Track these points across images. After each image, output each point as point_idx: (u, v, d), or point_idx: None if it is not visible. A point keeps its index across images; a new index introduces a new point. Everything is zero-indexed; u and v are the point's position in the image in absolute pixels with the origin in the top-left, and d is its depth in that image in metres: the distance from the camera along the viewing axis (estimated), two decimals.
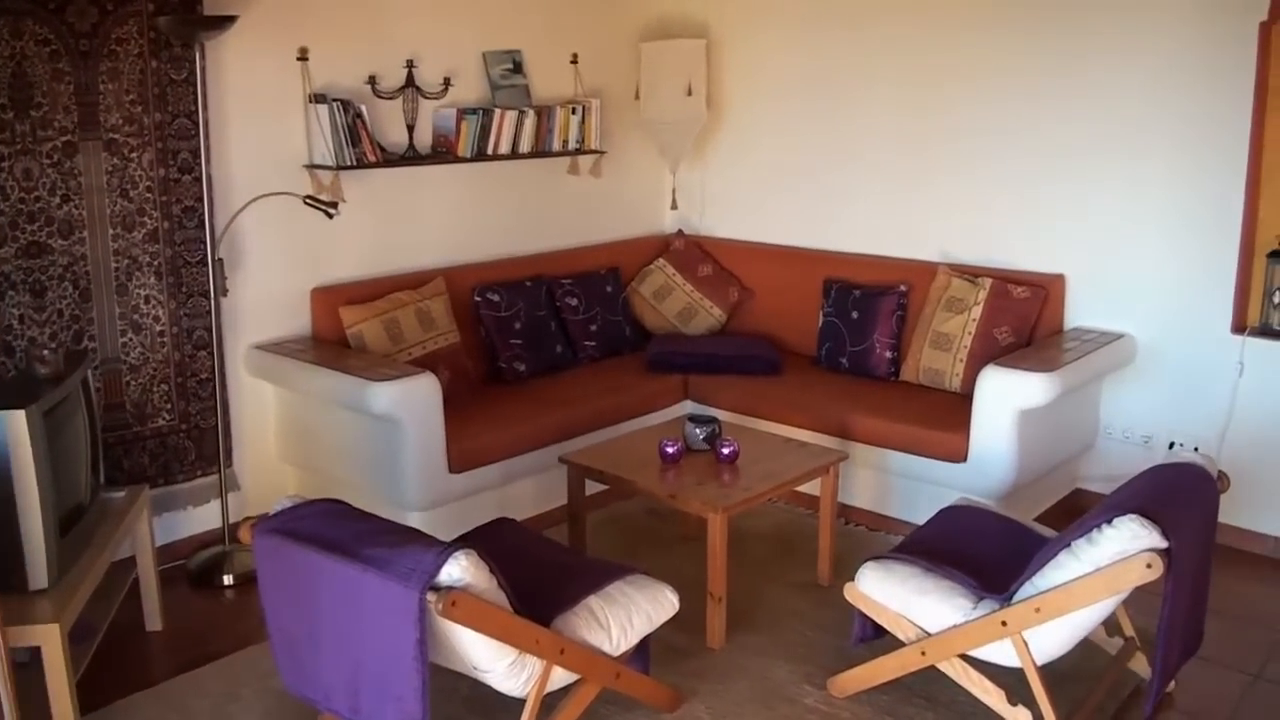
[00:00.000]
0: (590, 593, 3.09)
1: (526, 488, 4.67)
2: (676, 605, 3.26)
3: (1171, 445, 4.81)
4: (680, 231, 6.14)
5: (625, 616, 3.09)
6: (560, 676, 2.96)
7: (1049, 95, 4.93)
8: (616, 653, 3.08)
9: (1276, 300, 4.51)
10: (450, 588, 2.55)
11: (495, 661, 2.77)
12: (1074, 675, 3.38)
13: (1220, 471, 3.34)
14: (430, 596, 2.51)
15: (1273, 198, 4.52)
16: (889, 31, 5.37)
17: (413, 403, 4.06)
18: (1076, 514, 4.90)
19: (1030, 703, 3.16)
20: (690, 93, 5.76)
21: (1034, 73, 4.96)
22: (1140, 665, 3.58)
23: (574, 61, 5.61)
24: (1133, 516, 2.89)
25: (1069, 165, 4.92)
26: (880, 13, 5.39)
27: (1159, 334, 4.79)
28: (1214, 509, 3.27)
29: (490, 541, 3.33)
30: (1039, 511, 4.79)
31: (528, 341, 5.09)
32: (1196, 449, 4.71)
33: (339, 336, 4.61)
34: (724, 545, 3.72)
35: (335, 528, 2.76)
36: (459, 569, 2.56)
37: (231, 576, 4.27)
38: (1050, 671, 3.20)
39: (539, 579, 3.10)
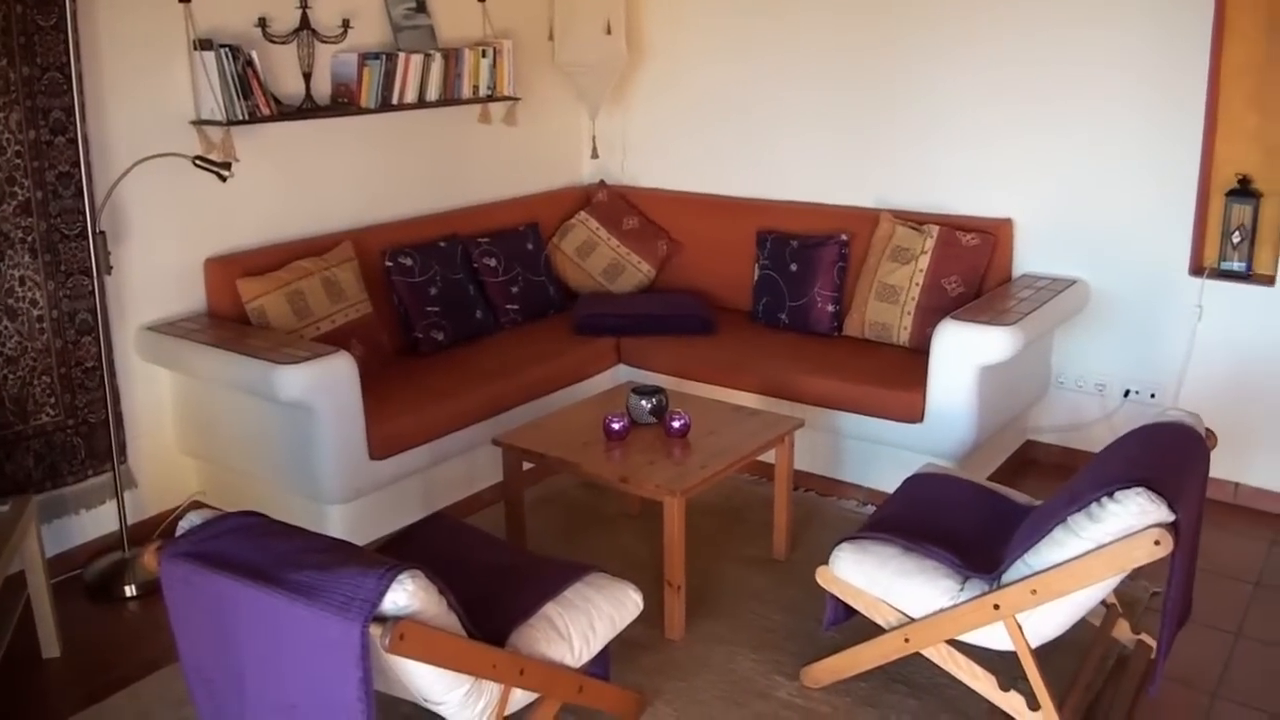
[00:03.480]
0: (547, 600, 2.76)
1: (455, 470, 4.32)
2: (641, 605, 2.96)
3: (1127, 393, 4.64)
4: (602, 182, 5.77)
5: (587, 623, 2.78)
6: (520, 697, 2.63)
7: (993, 34, 4.67)
8: (579, 663, 2.77)
9: (1236, 240, 4.33)
10: (396, 617, 2.19)
11: (448, 693, 2.43)
12: (1057, 645, 3.14)
13: (1208, 429, 3.13)
14: (374, 629, 2.16)
15: (1231, 135, 4.33)
16: None
17: (326, 386, 3.67)
18: (1029, 468, 4.81)
19: (1021, 684, 2.94)
20: (609, 32, 5.37)
21: (978, 10, 4.69)
22: (1123, 632, 3.42)
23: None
24: (1139, 490, 2.65)
25: (1015, 105, 4.68)
26: None
27: (1113, 279, 4.59)
28: (1206, 471, 3.06)
29: (425, 544, 3.03)
30: (993, 468, 4.60)
31: (445, 308, 4.71)
32: (1153, 396, 4.56)
33: (238, 312, 4.17)
34: (682, 531, 3.42)
35: (255, 548, 2.37)
36: (405, 595, 2.21)
37: (134, 586, 3.84)
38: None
39: (487, 587, 2.77)
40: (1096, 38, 4.44)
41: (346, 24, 4.54)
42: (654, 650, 3.44)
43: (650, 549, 3.97)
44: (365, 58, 4.54)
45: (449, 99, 4.91)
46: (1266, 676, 3.41)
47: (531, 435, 3.84)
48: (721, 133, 5.50)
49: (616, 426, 3.74)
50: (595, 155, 5.80)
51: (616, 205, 5.59)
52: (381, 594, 2.19)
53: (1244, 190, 4.32)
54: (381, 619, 2.19)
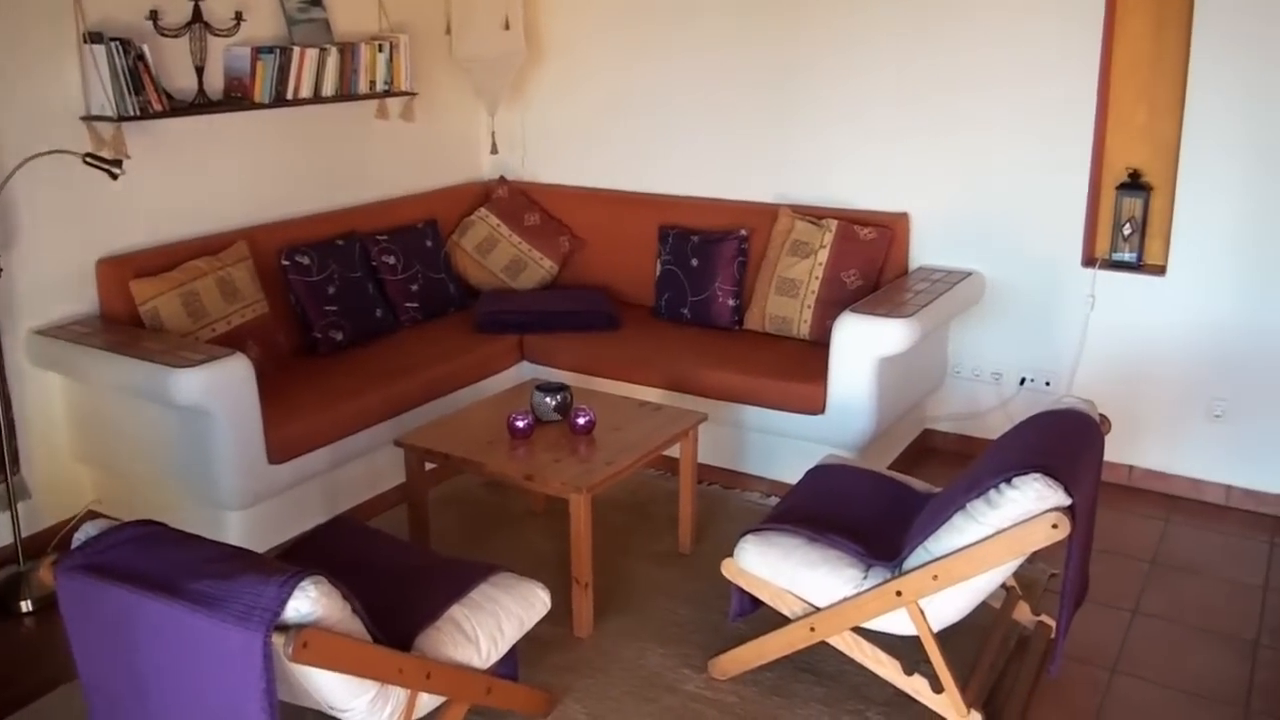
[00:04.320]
0: (453, 602, 2.74)
1: (356, 471, 4.25)
2: (548, 604, 2.95)
3: (1023, 381, 4.75)
4: (502, 178, 5.73)
5: (494, 624, 2.76)
6: (427, 701, 2.61)
7: (888, 30, 4.73)
8: (486, 665, 2.75)
9: (1127, 232, 4.46)
10: (299, 625, 2.15)
11: (354, 699, 2.40)
12: (959, 628, 3.20)
13: (1102, 415, 3.21)
14: (277, 638, 2.12)
15: (1121, 131, 4.47)
16: None
17: (223, 389, 3.59)
18: (928, 456, 4.89)
19: (924, 668, 3.00)
20: (507, 26, 5.32)
21: (874, 7, 4.74)
22: (1024, 614, 3.50)
23: None
24: (1037, 475, 2.72)
25: (911, 101, 4.75)
26: None
27: (1007, 270, 4.69)
28: (1101, 456, 3.14)
29: (328, 549, 2.98)
30: (893, 456, 4.68)
31: (343, 307, 4.63)
32: (1048, 383, 4.67)
33: (132, 315, 4.06)
34: (589, 528, 3.42)
35: (153, 558, 2.31)
36: (308, 601, 2.17)
37: (30, 601, 3.71)
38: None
39: (392, 591, 2.74)
40: (991, 35, 4.53)
41: (239, 17, 4.44)
42: (563, 648, 3.44)
43: (557, 547, 3.96)
44: (259, 51, 4.45)
45: (345, 94, 4.84)
46: (1162, 651, 3.53)
47: (434, 435, 3.79)
48: (622, 128, 5.49)
49: (521, 424, 3.72)
50: (495, 151, 5.75)
51: (517, 201, 5.56)
52: (283, 602, 2.15)
53: (1134, 184, 4.45)
54: (284, 627, 2.15)
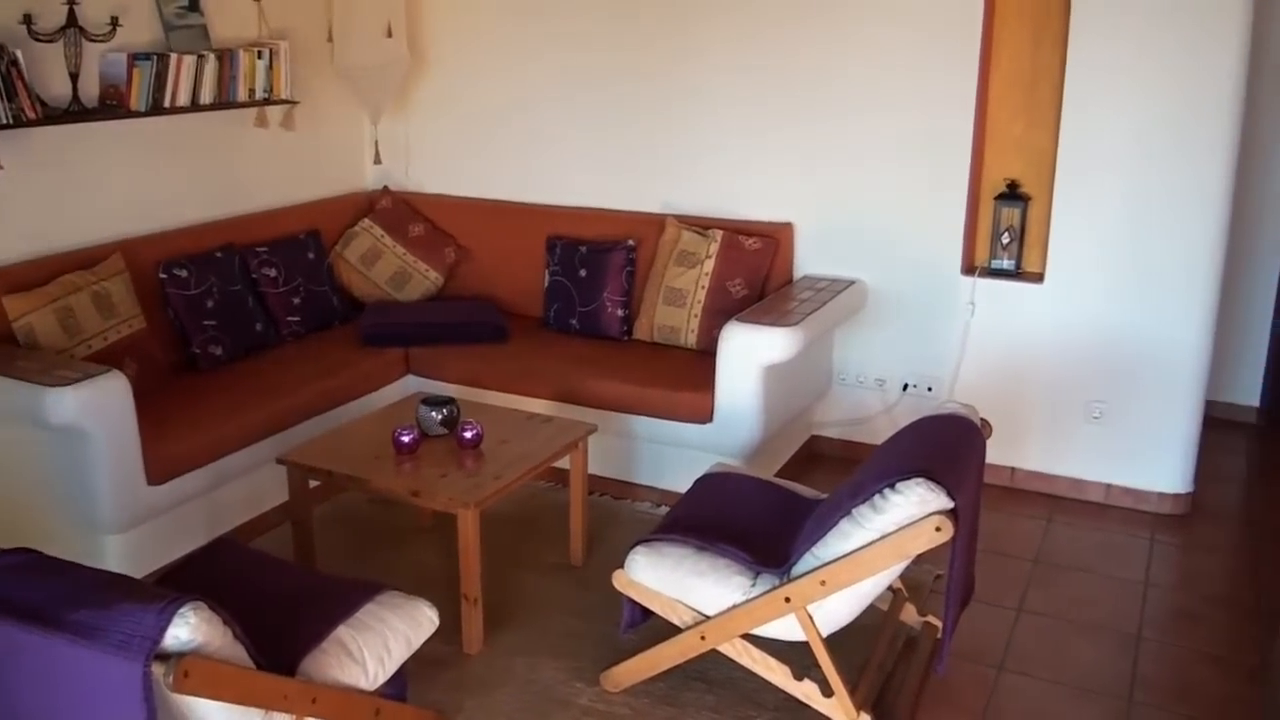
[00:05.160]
0: (338, 623, 2.68)
1: (238, 491, 4.14)
2: (436, 622, 2.90)
3: (906, 387, 4.84)
4: (386, 188, 5.65)
5: (381, 645, 2.71)
6: None
7: (772, 41, 4.78)
8: (374, 686, 2.70)
9: (1005, 241, 4.57)
10: (180, 653, 2.09)
11: None
12: (847, 631, 3.24)
13: (983, 419, 3.28)
14: (157, 668, 2.05)
15: (999, 144, 4.60)
16: None
17: (99, 409, 3.46)
18: (815, 462, 4.95)
19: (814, 672, 3.04)
20: (390, 34, 5.25)
21: (758, 19, 4.79)
22: (911, 615, 3.56)
23: None
24: (919, 480, 2.77)
25: (795, 113, 4.81)
26: None
27: (890, 278, 4.78)
28: (983, 459, 3.21)
29: (209, 572, 2.90)
30: (781, 463, 4.72)
31: (223, 321, 4.52)
32: (930, 389, 4.76)
33: (5, 331, 3.87)
34: (477, 543, 3.38)
35: (28, 588, 2.21)
36: (187, 628, 2.11)
37: None
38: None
39: (276, 614, 2.67)
40: (872, 50, 4.61)
41: (115, 22, 4.30)
42: (453, 666, 3.40)
43: (446, 562, 3.91)
44: (135, 58, 4.31)
45: (224, 102, 4.71)
46: (1047, 647, 3.62)
47: (317, 451, 3.72)
48: (509, 138, 5.46)
49: (406, 439, 3.66)
50: (378, 161, 5.67)
51: (401, 212, 5.49)
52: (162, 629, 2.09)
53: (1012, 194, 4.58)
54: (164, 656, 2.08)
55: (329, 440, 3.84)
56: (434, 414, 3.79)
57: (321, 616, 2.69)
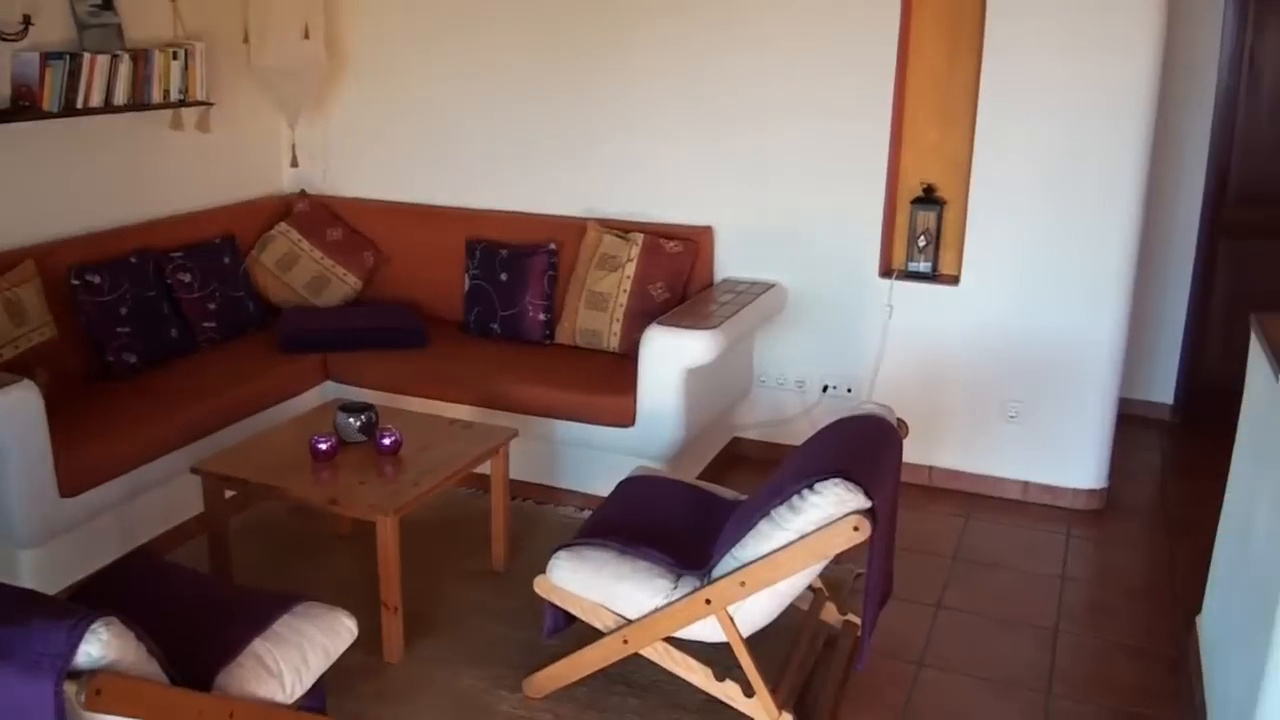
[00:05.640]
0: (254, 636, 2.64)
1: (154, 502, 4.07)
2: (355, 631, 2.87)
3: (825, 388, 4.88)
4: (303, 192, 5.58)
5: (298, 657, 2.68)
6: None
7: (694, 47, 4.81)
8: (292, 699, 2.66)
9: (922, 244, 4.64)
10: (92, 670, 2.05)
11: None
12: (768, 631, 3.27)
13: (900, 419, 3.33)
14: (69, 686, 2.01)
15: (914, 149, 4.68)
16: None
17: (9, 419, 3.37)
18: (737, 464, 4.98)
19: (736, 673, 3.06)
20: (307, 35, 5.18)
21: (678, 22, 4.82)
22: (831, 614, 3.60)
23: None
24: (837, 480, 2.80)
25: (714, 117, 4.84)
26: None
27: (809, 281, 4.82)
28: (899, 458, 3.25)
29: (122, 587, 2.85)
30: (703, 465, 4.75)
31: (137, 328, 4.43)
32: (850, 390, 4.81)
33: None
34: (396, 551, 3.35)
35: None
36: (99, 645, 2.07)
37: None
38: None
39: (191, 628, 2.62)
40: (792, 55, 4.66)
41: (28, 20, 4.19)
42: (373, 676, 3.37)
43: (366, 571, 3.86)
44: (48, 57, 4.21)
45: (138, 103, 4.62)
46: (965, 643, 3.69)
47: (233, 460, 3.67)
48: (429, 140, 5.42)
49: (324, 447, 3.62)
50: (295, 164, 5.60)
51: (319, 216, 5.43)
52: (73, 647, 2.05)
53: (928, 198, 4.65)
54: (76, 674, 2.04)
55: (245, 449, 3.79)
56: (352, 420, 3.76)
57: (237, 630, 2.65)
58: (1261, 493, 2.92)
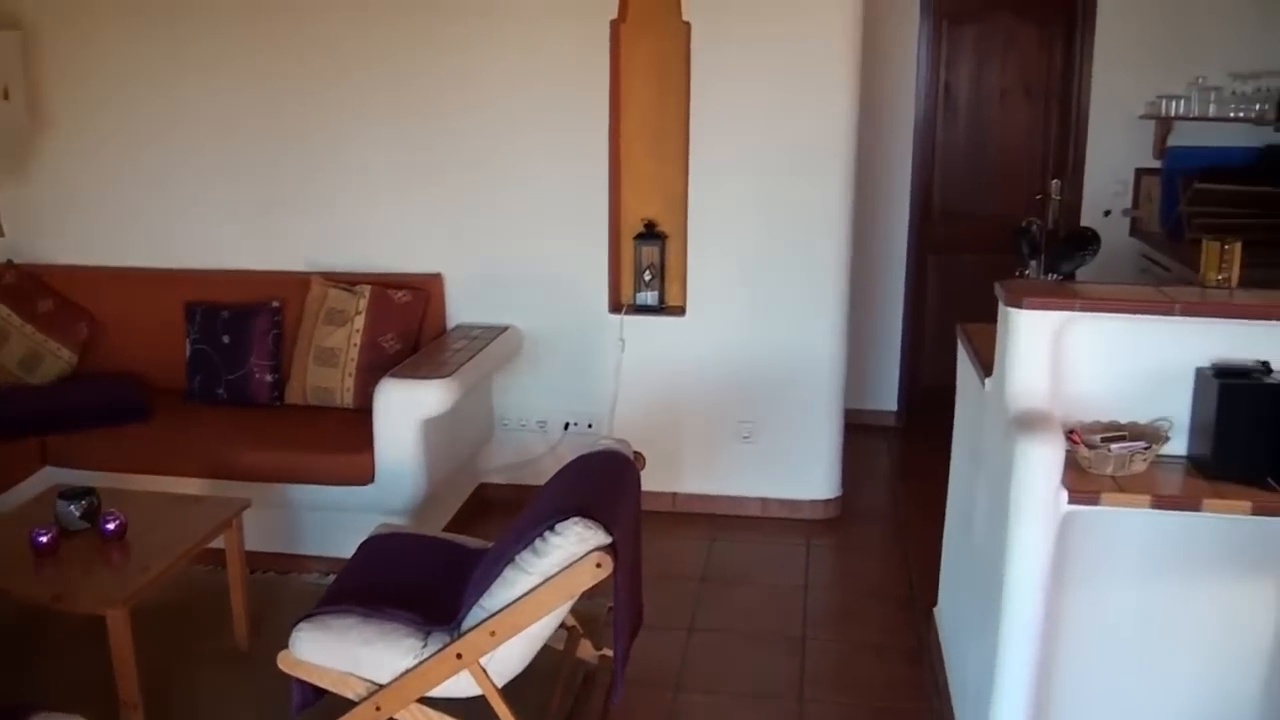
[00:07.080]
0: None
1: None
2: None
3: (567, 426, 4.94)
4: (10, 262, 5.18)
5: None
6: None
7: (413, 95, 4.81)
8: None
9: (648, 278, 4.77)
10: None
11: None
12: (525, 675, 3.25)
13: (636, 452, 3.40)
14: None
15: (632, 187, 4.83)
16: (227, 26, 4.91)
17: None
18: (485, 510, 4.96)
19: None
20: (6, 97, 4.88)
21: (397, 72, 4.80)
22: (587, 651, 3.61)
23: None
24: (575, 519, 2.82)
25: (437, 163, 4.86)
26: (215, 6, 4.90)
27: (542, 322, 4.89)
28: (638, 490, 3.32)
29: None
30: (450, 515, 4.72)
31: None
32: (590, 425, 4.88)
33: None
34: (129, 644, 3.16)
35: None
36: None
37: None
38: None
39: None
40: (510, 101, 4.74)
41: None
42: None
43: (104, 665, 3.64)
44: None
45: None
46: (720, 661, 3.79)
47: None
48: (142, 202, 5.16)
49: (44, 539, 3.38)
50: (1, 234, 5.23)
51: (28, 287, 5.07)
52: None
53: (650, 233, 4.79)
54: None
55: None
56: (72, 508, 3.53)
57: None
58: (978, 489, 3.13)
